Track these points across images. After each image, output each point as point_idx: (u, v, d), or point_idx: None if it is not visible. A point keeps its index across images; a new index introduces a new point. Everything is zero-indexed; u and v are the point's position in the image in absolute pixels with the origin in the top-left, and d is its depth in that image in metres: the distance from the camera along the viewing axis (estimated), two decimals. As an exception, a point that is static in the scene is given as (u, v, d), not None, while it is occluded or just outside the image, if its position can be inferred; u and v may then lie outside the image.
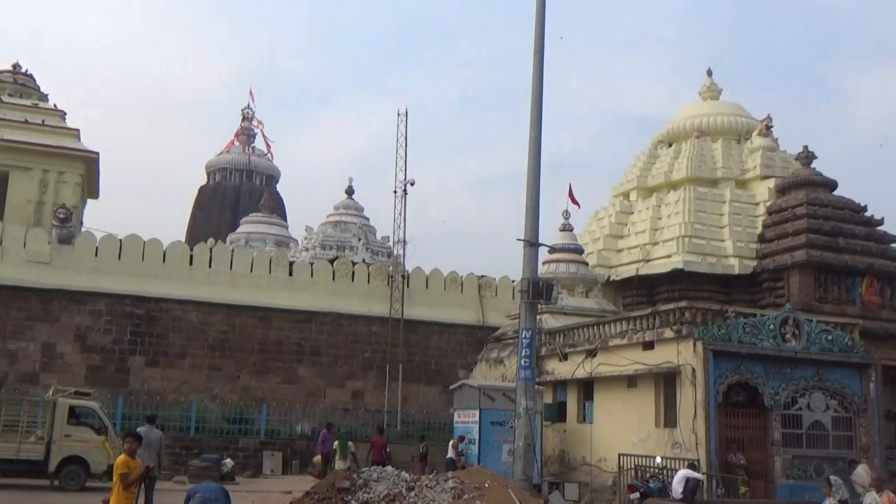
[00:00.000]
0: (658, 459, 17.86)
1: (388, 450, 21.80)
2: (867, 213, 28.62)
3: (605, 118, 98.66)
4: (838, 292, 26.69)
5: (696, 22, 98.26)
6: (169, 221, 63.38)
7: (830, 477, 10.28)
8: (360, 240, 40.66)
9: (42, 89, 33.97)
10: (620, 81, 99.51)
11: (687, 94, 64.73)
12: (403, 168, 29.24)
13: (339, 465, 20.56)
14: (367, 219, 43.10)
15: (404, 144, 29.40)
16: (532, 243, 18.29)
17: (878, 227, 28.34)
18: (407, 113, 29.86)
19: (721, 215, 29.44)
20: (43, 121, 31.43)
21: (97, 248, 27.38)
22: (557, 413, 23.65)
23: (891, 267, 27.10)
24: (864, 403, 19.82)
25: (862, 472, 18.55)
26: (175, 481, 19.52)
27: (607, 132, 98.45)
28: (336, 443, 21.55)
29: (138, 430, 14.88)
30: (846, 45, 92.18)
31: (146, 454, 12.92)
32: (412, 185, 29.00)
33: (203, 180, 60.86)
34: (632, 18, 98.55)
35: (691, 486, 15.14)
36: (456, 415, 23.12)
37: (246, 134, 61.28)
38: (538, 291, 17.84)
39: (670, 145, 33.39)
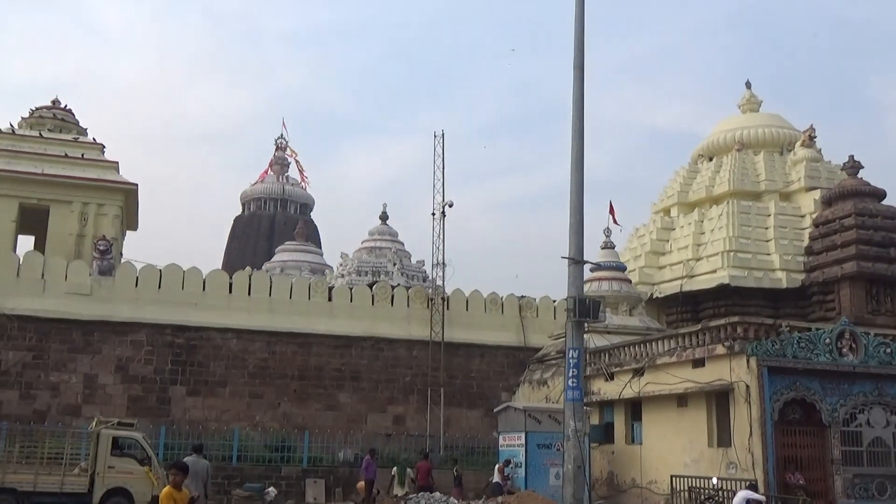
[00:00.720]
0: (714, 480, 17.26)
1: (433, 475, 21.42)
2: (918, 222, 27.83)
3: (640, 136, 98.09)
4: (891, 304, 25.97)
5: (730, 37, 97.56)
6: (205, 253, 64.06)
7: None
8: (395, 264, 40.56)
9: (81, 124, 34.31)
10: (654, 99, 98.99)
11: (722, 110, 64.12)
12: (441, 190, 29.05)
13: (397, 490, 20.46)
14: (402, 244, 43.05)
15: (441, 166, 29.21)
16: (577, 261, 17.84)
17: (931, 237, 27.52)
18: (444, 135, 29.69)
19: (766, 228, 28.85)
20: (82, 154, 31.73)
21: (137, 278, 27.43)
22: (604, 434, 23.11)
23: (946, 277, 26.26)
24: (927, 418, 19.03)
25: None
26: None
27: (642, 150, 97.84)
28: (395, 468, 21.46)
29: (185, 459, 14.69)
30: (880, 56, 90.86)
31: (193, 484, 12.70)
32: (451, 206, 28.74)
33: (238, 210, 61.44)
34: (663, 35, 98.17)
35: (752, 507, 14.54)
36: (501, 438, 22.65)
37: (280, 163, 61.88)
38: (585, 309, 17.33)
39: (710, 159, 32.89)
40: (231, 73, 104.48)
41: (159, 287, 27.38)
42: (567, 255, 18.38)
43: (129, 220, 33.87)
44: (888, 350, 18.99)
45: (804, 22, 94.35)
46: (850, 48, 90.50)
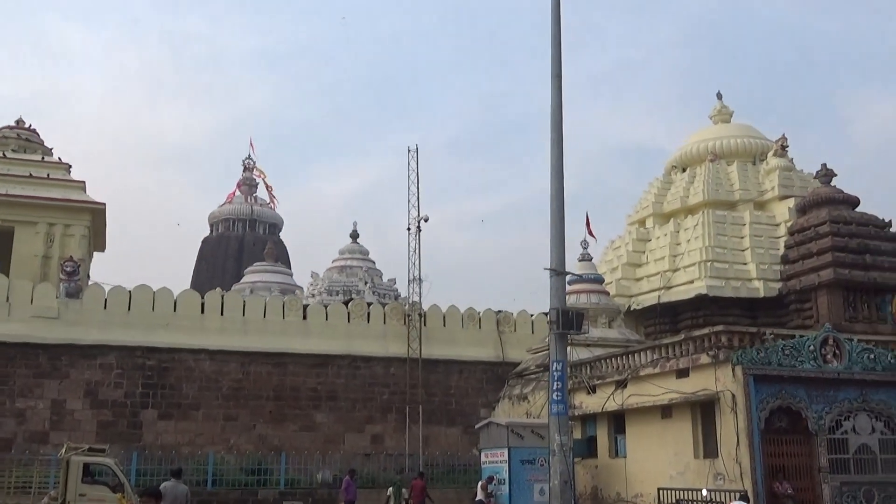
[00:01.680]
0: (704, 492, 16.99)
1: (427, 493, 21.06)
2: (892, 229, 27.96)
3: (609, 151, 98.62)
4: (868, 311, 25.97)
5: (695, 51, 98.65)
6: (173, 275, 63.12)
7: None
8: (366, 283, 40.16)
9: (46, 144, 33.56)
10: (622, 114, 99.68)
11: (691, 123, 64.65)
12: (416, 204, 28.71)
13: None
14: (373, 262, 42.69)
15: (416, 181, 28.88)
16: (559, 272, 17.53)
17: (905, 243, 27.66)
18: (417, 149, 29.39)
19: (742, 238, 28.84)
20: (48, 174, 31.03)
21: (106, 300, 26.75)
22: (587, 448, 22.79)
23: (921, 282, 26.35)
24: (912, 424, 18.93)
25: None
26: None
27: (612, 165, 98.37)
28: (390, 488, 21.14)
29: (164, 484, 14.19)
30: (843, 69, 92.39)
31: None
32: (426, 220, 28.40)
33: (206, 232, 60.72)
34: (628, 51, 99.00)
35: (746, 519, 14.25)
36: (483, 455, 22.26)
37: (248, 184, 61.35)
38: (568, 321, 17.03)
39: (684, 170, 32.93)
40: (196, 94, 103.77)
41: (129, 308, 26.73)
42: (549, 267, 18.13)
43: (97, 240, 33.14)
44: (872, 356, 18.89)
45: (769, 36, 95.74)
46: (815, 62, 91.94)
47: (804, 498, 17.83)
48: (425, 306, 29.21)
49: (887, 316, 25.85)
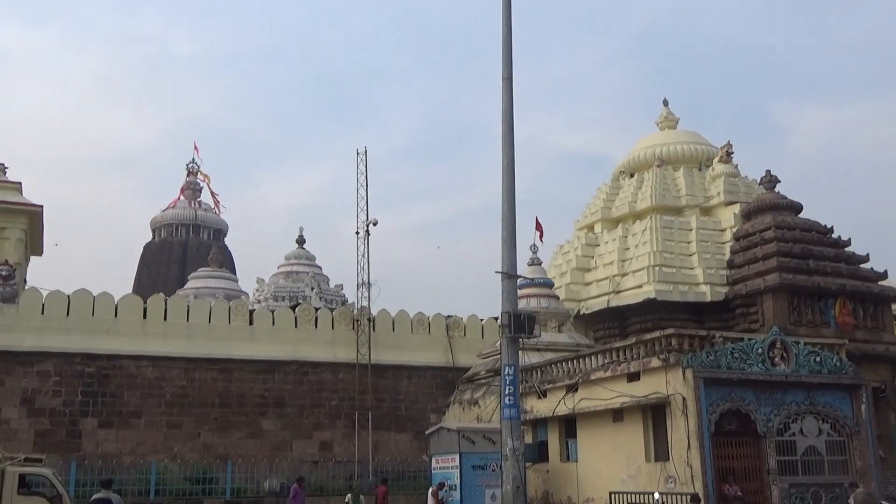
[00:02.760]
0: (656, 496, 17.00)
1: (387, 499, 20.81)
2: (833, 235, 28.50)
3: (555, 159, 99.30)
4: (812, 315, 26.37)
5: (638, 62, 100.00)
6: (114, 281, 61.54)
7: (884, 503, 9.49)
8: (313, 289, 39.70)
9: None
10: (566, 122, 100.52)
11: (640, 130, 65.35)
12: (365, 208, 28.38)
13: None
14: (320, 268, 42.25)
15: (365, 184, 28.55)
16: (510, 275, 17.45)
17: (846, 249, 28.21)
18: (367, 152, 29.08)
19: (688, 243, 29.12)
20: (-19, 175, 29.88)
21: (43, 305, 25.86)
22: (538, 453, 22.72)
23: (862, 287, 26.89)
24: (857, 426, 19.24)
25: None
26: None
27: (557, 173, 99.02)
28: (349, 495, 20.74)
29: (95, 496, 13.70)
30: (779, 82, 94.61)
31: None
32: (375, 224, 28.10)
33: (149, 237, 59.45)
34: (572, 62, 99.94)
35: (699, 521, 14.26)
36: (434, 460, 22.02)
37: (192, 189, 60.25)
38: (520, 325, 16.94)
39: (632, 175, 33.18)
40: (139, 98, 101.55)
41: (67, 314, 25.88)
42: (500, 270, 18.01)
43: (34, 244, 32.03)
44: (818, 359, 19.15)
45: (713, 48, 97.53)
46: (756, 75, 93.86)
47: (753, 500, 17.99)
48: (374, 311, 28.89)
49: (830, 320, 26.29)
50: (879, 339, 26.61)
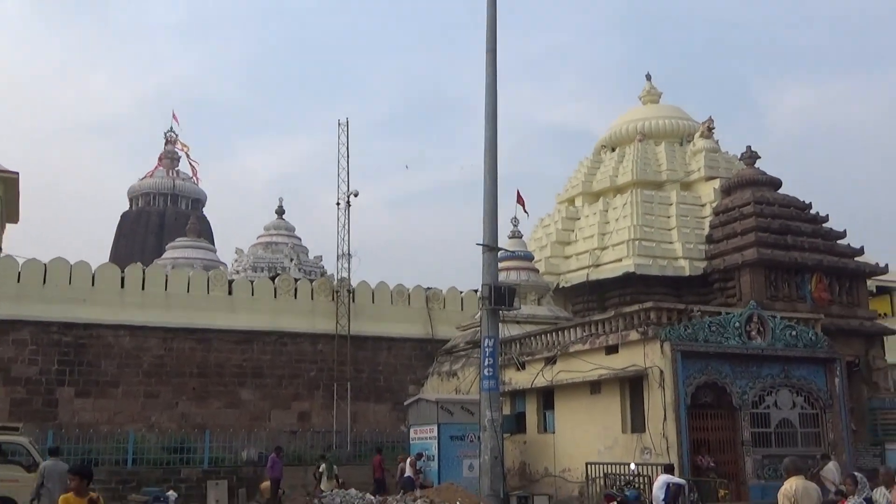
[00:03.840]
0: (633, 466, 17.23)
1: (384, 467, 21.17)
2: (811, 211, 28.73)
3: (538, 133, 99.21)
4: (789, 290, 26.59)
5: (621, 37, 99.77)
6: (91, 251, 60.94)
7: (855, 473, 9.68)
8: (292, 260, 39.54)
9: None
10: (549, 96, 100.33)
11: (622, 105, 65.27)
12: (346, 179, 28.24)
13: (325, 485, 19.92)
14: (299, 239, 42.05)
15: (346, 155, 28.39)
16: (491, 248, 17.56)
17: (824, 225, 28.46)
18: (348, 123, 28.89)
19: (668, 217, 29.23)
20: (-45, 141, 29.49)
21: (20, 273, 25.65)
22: (516, 424, 22.92)
23: (839, 263, 27.16)
24: (830, 399, 19.58)
25: (832, 469, 18.25)
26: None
27: (540, 146, 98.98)
28: (323, 465, 21.00)
29: (43, 464, 13.82)
30: (760, 59, 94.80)
31: (55, 489, 12.06)
32: (356, 195, 27.99)
33: (126, 206, 58.93)
34: (556, 35, 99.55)
35: (673, 490, 14.50)
36: (412, 431, 22.20)
37: (170, 158, 59.65)
38: (500, 297, 17.08)
39: (614, 150, 33.20)
40: (117, 65, 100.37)
41: (44, 282, 25.70)
42: (481, 242, 18.07)
43: (10, 211, 31.70)
44: (794, 333, 19.41)
45: (696, 23, 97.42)
46: (738, 50, 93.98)
47: (727, 470, 18.29)
48: (354, 282, 28.89)
49: (806, 295, 26.55)
50: (854, 315, 26.94)
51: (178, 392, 26.01)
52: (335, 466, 21.22)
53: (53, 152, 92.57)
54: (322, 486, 19.87)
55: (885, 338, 27.88)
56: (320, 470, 21.00)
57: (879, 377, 26.38)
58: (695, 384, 18.07)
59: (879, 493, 9.58)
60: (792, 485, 8.71)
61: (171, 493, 20.06)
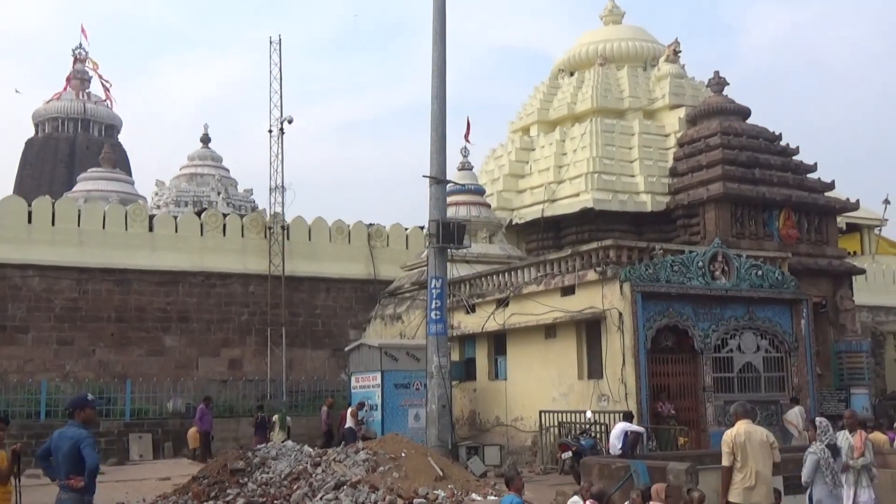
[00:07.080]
0: (589, 414, 17.62)
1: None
2: (781, 143, 29.19)
3: (492, 53, 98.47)
4: (755, 227, 27.08)
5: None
6: (-9, 182, 59.31)
7: (816, 419, 10.04)
8: (219, 193, 39.06)
9: None
10: (505, 14, 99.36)
11: (582, 26, 65.08)
12: (279, 104, 27.82)
13: (277, 437, 20.18)
14: (227, 170, 41.48)
15: (279, 77, 27.93)
16: (439, 180, 17.59)
17: (794, 158, 28.95)
18: (280, 41, 28.33)
19: (630, 148, 29.41)
20: None
21: (-89, 207, 24.93)
22: (465, 371, 23.26)
23: (808, 199, 27.71)
24: (796, 342, 20.20)
25: (797, 413, 18.96)
26: (28, 475, 17.91)
27: (494, 68, 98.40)
28: (276, 416, 21.29)
29: None
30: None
31: None
32: (290, 122, 27.64)
33: (31, 133, 57.32)
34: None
35: (631, 439, 14.91)
36: (354, 379, 22.41)
37: (79, 78, 57.80)
38: (449, 234, 17.16)
39: (572, 74, 33.12)
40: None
41: (-61, 217, 25.02)
42: (428, 174, 18.06)
43: None
44: (759, 272, 19.88)
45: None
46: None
47: (687, 417, 18.85)
48: (288, 218, 28.68)
49: (773, 232, 27.10)
50: (822, 253, 27.62)
51: (94, 338, 25.73)
52: (288, 418, 21.45)
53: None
54: (273, 438, 20.00)
55: (853, 278, 28.71)
56: (273, 420, 21.19)
57: (847, 319, 27.21)
58: (655, 327, 18.46)
59: (842, 436, 9.97)
60: (735, 430, 9.05)
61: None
